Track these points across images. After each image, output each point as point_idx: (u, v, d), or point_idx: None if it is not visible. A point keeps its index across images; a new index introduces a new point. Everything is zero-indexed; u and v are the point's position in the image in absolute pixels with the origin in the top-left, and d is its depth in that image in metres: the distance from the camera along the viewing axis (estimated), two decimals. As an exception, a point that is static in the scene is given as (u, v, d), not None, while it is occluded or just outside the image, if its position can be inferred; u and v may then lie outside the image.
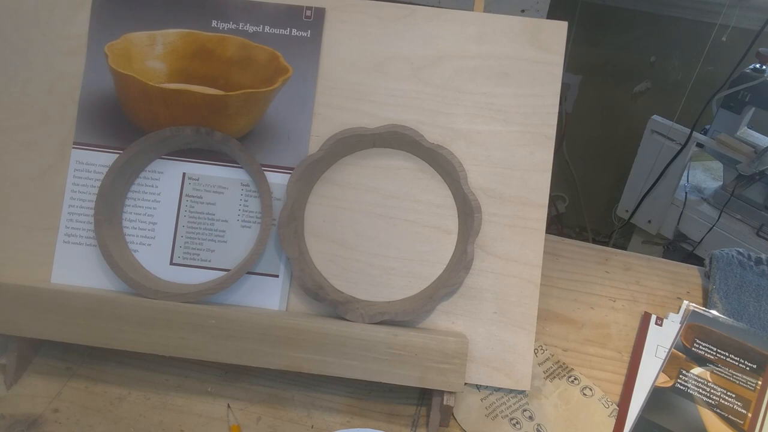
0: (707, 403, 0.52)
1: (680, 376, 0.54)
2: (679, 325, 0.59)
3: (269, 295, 0.52)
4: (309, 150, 0.52)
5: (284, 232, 0.50)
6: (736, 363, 0.55)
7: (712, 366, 0.55)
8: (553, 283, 0.64)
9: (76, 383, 0.51)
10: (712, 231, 1.31)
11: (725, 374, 0.54)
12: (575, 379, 0.55)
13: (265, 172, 0.51)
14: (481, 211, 0.51)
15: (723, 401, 0.52)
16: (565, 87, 1.61)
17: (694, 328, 0.58)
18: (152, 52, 0.53)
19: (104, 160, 0.52)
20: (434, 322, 0.52)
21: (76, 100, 0.53)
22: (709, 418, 0.51)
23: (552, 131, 0.53)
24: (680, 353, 0.56)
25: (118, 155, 0.51)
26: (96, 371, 0.53)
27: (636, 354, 0.57)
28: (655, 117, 1.38)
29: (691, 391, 0.53)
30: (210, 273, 0.52)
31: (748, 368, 0.55)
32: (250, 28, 0.53)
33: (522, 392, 0.53)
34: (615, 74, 1.61)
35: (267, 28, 0.53)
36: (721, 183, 1.35)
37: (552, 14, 1.18)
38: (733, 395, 0.53)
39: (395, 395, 0.52)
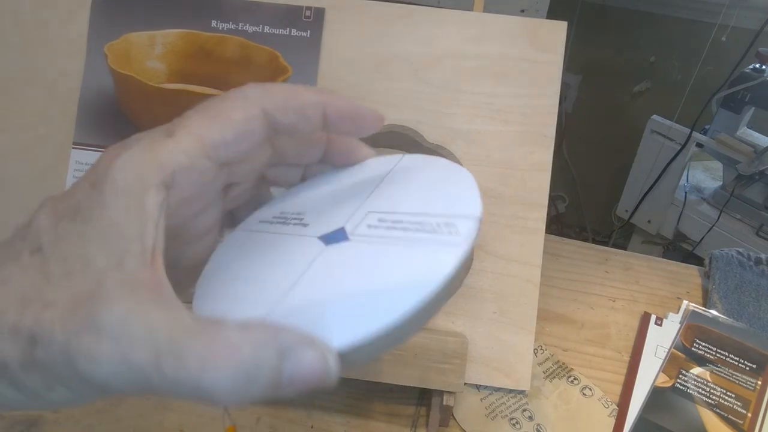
0: (707, 402, 0.52)
1: (680, 376, 0.54)
2: (679, 325, 0.59)
3: (269, 295, 0.52)
4: (309, 150, 0.52)
5: (284, 232, 0.50)
6: (736, 363, 0.55)
7: (711, 366, 0.55)
8: (552, 283, 0.64)
9: (76, 383, 0.51)
10: (711, 231, 1.31)
11: (725, 374, 0.54)
12: (575, 379, 0.55)
13: (264, 172, 0.51)
14: (480, 211, 0.51)
15: (723, 401, 0.52)
16: (564, 87, 1.61)
17: (693, 328, 0.58)
18: (152, 52, 0.53)
19: (104, 160, 0.52)
20: (434, 322, 0.52)
21: (75, 101, 0.53)
22: (708, 418, 0.51)
23: (552, 131, 0.53)
24: (680, 353, 0.56)
25: (117, 155, 0.51)
26: (96, 371, 0.52)
27: (636, 354, 0.57)
28: (654, 117, 1.38)
29: (690, 391, 0.53)
30: (210, 273, 0.52)
31: (747, 368, 0.55)
32: (250, 29, 0.53)
33: (522, 392, 0.53)
34: (615, 74, 1.61)
35: (266, 28, 0.53)
36: (720, 183, 1.35)
37: (551, 14, 1.18)
38: (733, 395, 0.53)
39: (395, 395, 0.52)
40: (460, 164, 0.50)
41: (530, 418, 0.51)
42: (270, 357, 0.18)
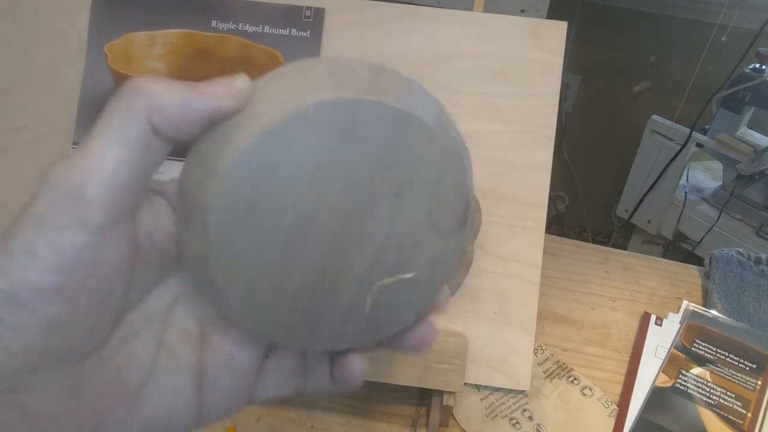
0: (707, 403, 0.52)
1: (680, 376, 0.54)
2: (679, 325, 0.59)
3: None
4: (309, 150, 0.52)
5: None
6: (736, 363, 0.55)
7: (711, 366, 0.55)
8: (552, 283, 0.64)
9: (76, 383, 0.51)
10: (711, 231, 1.31)
11: (725, 374, 0.54)
12: (575, 379, 0.55)
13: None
14: (480, 211, 0.51)
15: (723, 401, 0.52)
16: (564, 87, 1.61)
17: (693, 328, 0.58)
18: (152, 52, 0.53)
19: (104, 160, 0.52)
20: (434, 322, 0.52)
21: (75, 101, 0.53)
22: (708, 418, 0.51)
23: (552, 131, 0.53)
24: (680, 353, 0.56)
25: (117, 155, 0.51)
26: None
27: (636, 354, 0.57)
28: (654, 117, 1.38)
29: (690, 391, 0.53)
30: (210, 273, 0.52)
31: (747, 368, 0.55)
32: (250, 29, 0.53)
33: (522, 392, 0.53)
34: (615, 74, 1.61)
35: (266, 29, 0.53)
36: (720, 183, 1.35)
37: (552, 14, 1.18)
38: (733, 395, 0.53)
39: (395, 395, 0.52)
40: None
41: (530, 418, 0.51)
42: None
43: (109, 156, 0.19)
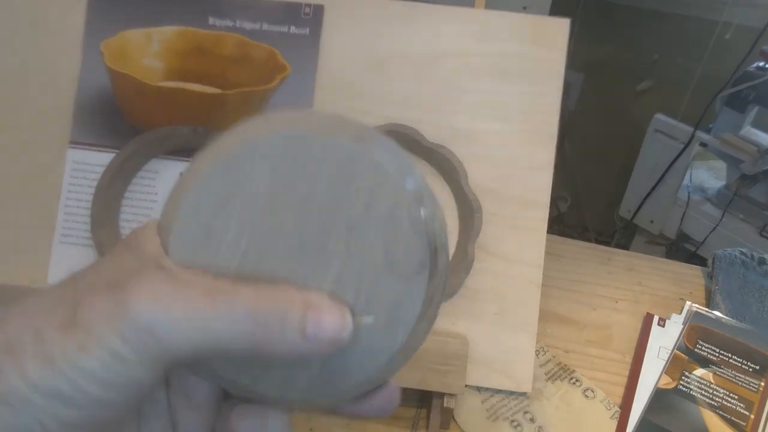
0: (710, 404, 0.52)
1: (683, 377, 0.54)
2: (682, 326, 0.58)
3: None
4: (308, 149, 0.52)
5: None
6: (739, 364, 0.55)
7: (714, 367, 0.54)
8: (554, 283, 0.63)
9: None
10: (715, 231, 1.30)
11: (728, 376, 0.54)
12: (577, 380, 0.54)
13: (263, 172, 0.51)
14: (481, 211, 0.50)
15: (725, 403, 0.52)
16: (566, 85, 1.60)
17: (696, 329, 0.58)
18: (148, 49, 0.52)
19: (101, 159, 0.52)
20: (435, 324, 0.51)
21: (72, 99, 0.53)
22: (711, 419, 0.51)
23: (554, 130, 0.52)
24: (683, 354, 0.55)
25: (114, 155, 0.50)
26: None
27: (638, 355, 0.56)
28: (658, 115, 1.37)
29: (693, 393, 0.52)
30: (208, 273, 0.52)
31: (750, 370, 0.55)
32: (248, 26, 0.52)
33: (523, 394, 0.52)
34: (617, 72, 1.60)
35: (265, 26, 0.52)
36: (724, 182, 1.34)
37: (554, 11, 1.17)
38: (736, 397, 0.52)
39: (395, 397, 0.52)
40: (462, 164, 0.50)
41: (532, 420, 0.51)
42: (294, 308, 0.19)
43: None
